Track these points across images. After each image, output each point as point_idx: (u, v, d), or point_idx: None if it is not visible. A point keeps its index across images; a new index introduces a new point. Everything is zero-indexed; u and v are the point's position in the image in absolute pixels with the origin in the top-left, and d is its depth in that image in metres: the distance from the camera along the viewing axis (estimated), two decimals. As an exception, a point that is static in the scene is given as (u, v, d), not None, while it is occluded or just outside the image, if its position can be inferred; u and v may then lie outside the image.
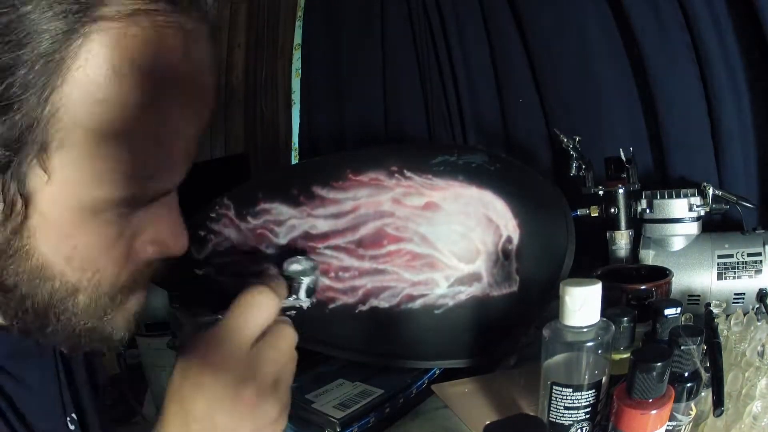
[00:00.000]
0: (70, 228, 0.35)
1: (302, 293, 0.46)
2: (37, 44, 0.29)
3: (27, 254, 0.35)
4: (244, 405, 0.39)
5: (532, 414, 0.54)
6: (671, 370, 0.49)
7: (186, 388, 0.39)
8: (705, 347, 0.56)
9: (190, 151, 0.38)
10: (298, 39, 1.65)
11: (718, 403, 0.52)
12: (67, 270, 0.37)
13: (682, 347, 0.51)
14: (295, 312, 0.46)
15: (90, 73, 0.31)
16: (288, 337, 0.43)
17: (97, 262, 0.38)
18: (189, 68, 0.35)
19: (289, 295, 0.46)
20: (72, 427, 0.48)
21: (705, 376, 0.53)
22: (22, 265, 0.35)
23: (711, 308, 0.68)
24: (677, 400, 0.51)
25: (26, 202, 0.33)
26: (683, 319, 0.66)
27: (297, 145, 1.67)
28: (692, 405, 0.52)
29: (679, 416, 0.52)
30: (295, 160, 1.68)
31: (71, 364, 0.52)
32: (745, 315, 0.67)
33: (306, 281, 0.46)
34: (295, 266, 0.47)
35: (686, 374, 0.51)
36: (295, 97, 1.67)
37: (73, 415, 0.49)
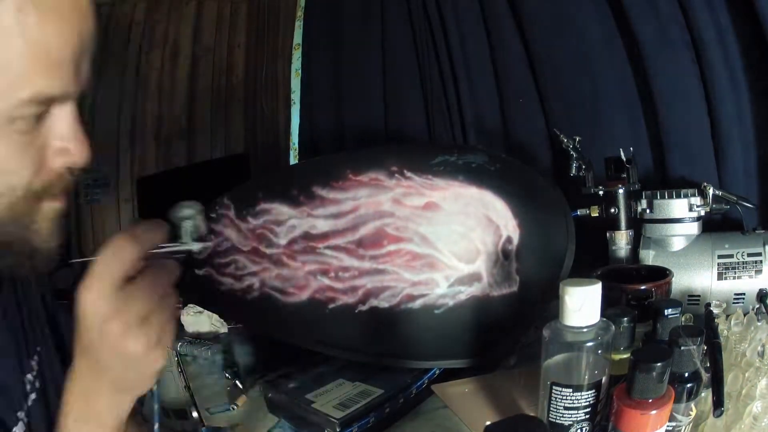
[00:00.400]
0: None
1: (186, 236, 0.50)
2: None
3: None
4: (109, 342, 0.44)
5: (531, 415, 0.54)
6: (671, 370, 0.49)
7: (77, 335, 0.46)
8: (705, 347, 0.56)
9: (78, 63, 0.46)
10: (298, 39, 1.65)
11: (718, 403, 0.52)
12: None
13: (682, 348, 0.51)
14: (184, 255, 0.51)
15: None
16: (161, 276, 0.47)
17: (11, 165, 0.45)
18: None
19: (177, 239, 0.50)
20: (28, 387, 0.54)
21: (705, 376, 0.53)
22: None
23: (711, 308, 0.68)
24: (677, 400, 0.51)
25: None
26: (683, 319, 0.66)
27: (296, 145, 1.67)
28: (692, 406, 0.52)
29: (679, 417, 0.52)
30: (294, 160, 1.68)
31: (33, 322, 0.59)
32: (745, 315, 0.67)
33: (188, 225, 0.50)
34: (178, 211, 0.51)
35: (686, 375, 0.51)
36: (295, 97, 1.67)
37: (30, 375, 0.54)
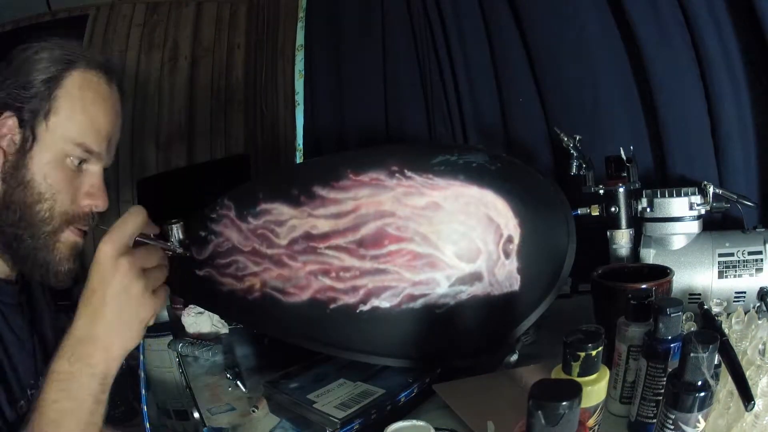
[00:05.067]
0: (50, 163, 0.67)
1: (173, 237, 0.69)
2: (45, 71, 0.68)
3: (26, 169, 0.66)
4: (119, 275, 0.58)
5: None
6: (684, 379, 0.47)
7: (89, 279, 0.60)
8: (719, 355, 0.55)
9: (110, 140, 0.72)
10: (300, 40, 1.65)
11: (747, 397, 0.51)
12: (42, 183, 0.66)
13: (692, 355, 0.50)
14: (170, 253, 0.68)
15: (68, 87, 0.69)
16: (157, 251, 0.64)
17: (60, 188, 0.67)
18: (108, 97, 0.72)
19: (168, 240, 0.69)
20: (36, 368, 0.72)
21: (714, 384, 0.51)
22: (19, 175, 0.66)
23: (707, 308, 0.68)
24: (687, 410, 0.50)
25: (34, 138, 0.66)
26: (684, 318, 0.65)
27: (301, 146, 1.68)
28: (700, 417, 0.51)
29: (688, 429, 0.51)
30: (300, 160, 1.68)
31: (43, 328, 0.76)
32: (746, 314, 0.67)
33: (175, 228, 0.69)
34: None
35: (696, 384, 0.50)
36: (299, 98, 1.68)
37: (38, 359, 0.73)
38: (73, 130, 0.66)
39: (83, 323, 0.58)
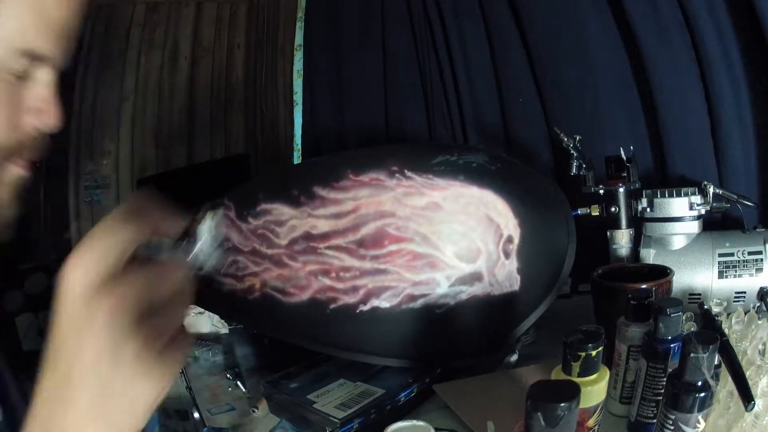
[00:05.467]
0: None
1: (203, 241, 0.40)
2: None
3: None
4: (91, 336, 0.33)
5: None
6: (684, 380, 0.47)
7: (51, 332, 0.34)
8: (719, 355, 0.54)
9: (68, 35, 0.48)
10: (299, 40, 1.65)
11: (747, 398, 0.51)
12: None
13: (692, 355, 0.50)
14: (198, 271, 0.40)
15: None
16: (173, 269, 0.37)
17: None
18: None
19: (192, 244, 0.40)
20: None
21: (713, 384, 0.51)
22: None
23: (707, 308, 0.68)
24: (687, 411, 0.50)
25: None
26: (684, 318, 0.65)
27: (300, 146, 1.68)
28: (700, 418, 0.51)
29: (688, 430, 0.51)
30: (298, 160, 1.68)
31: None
32: (746, 314, 0.67)
33: (209, 222, 0.40)
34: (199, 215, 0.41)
35: (696, 384, 0.50)
36: (298, 97, 1.68)
37: None
38: (14, 32, 0.43)
39: (46, 405, 0.33)
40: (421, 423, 0.54)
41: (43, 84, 0.48)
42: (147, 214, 0.37)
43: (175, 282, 0.37)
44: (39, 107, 0.48)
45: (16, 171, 0.48)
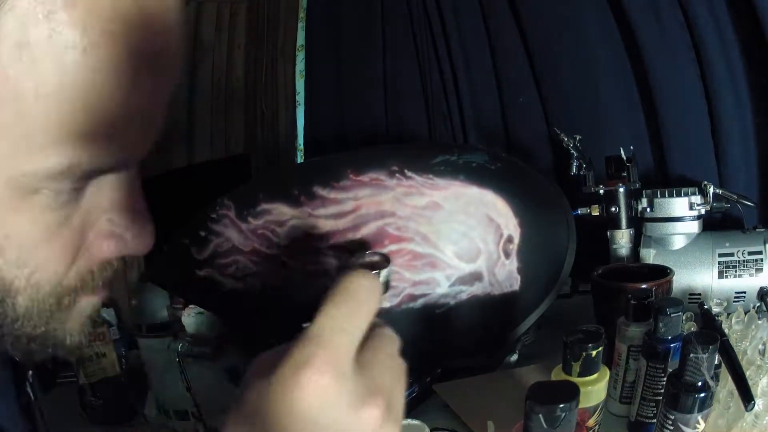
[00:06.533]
0: (1, 213, 0.28)
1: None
2: None
3: None
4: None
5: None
6: (684, 380, 0.47)
7: (278, 419, 0.27)
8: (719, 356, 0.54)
9: (152, 119, 0.30)
10: (301, 40, 1.65)
11: (747, 398, 0.51)
12: (2, 264, 0.29)
13: (692, 355, 0.50)
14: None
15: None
16: (393, 341, 0.35)
17: (36, 256, 0.30)
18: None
19: None
20: None
21: (713, 385, 0.51)
22: None
23: (707, 308, 0.68)
24: (687, 411, 0.50)
25: None
26: (684, 318, 0.65)
27: (302, 146, 1.68)
28: (699, 418, 0.51)
29: (687, 430, 0.51)
30: (300, 160, 1.68)
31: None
32: (746, 313, 0.67)
33: (384, 273, 0.38)
34: (371, 258, 0.39)
35: (696, 384, 0.50)
36: (300, 98, 1.68)
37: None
38: (30, 134, 0.26)
39: None
40: (416, 422, 0.54)
41: (112, 192, 0.32)
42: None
43: (396, 354, 0.36)
44: (111, 231, 0.33)
45: (88, 303, 0.35)
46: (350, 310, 0.30)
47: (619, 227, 0.93)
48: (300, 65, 1.66)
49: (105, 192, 0.32)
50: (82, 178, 0.29)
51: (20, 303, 0.31)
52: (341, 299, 0.30)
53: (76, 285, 0.33)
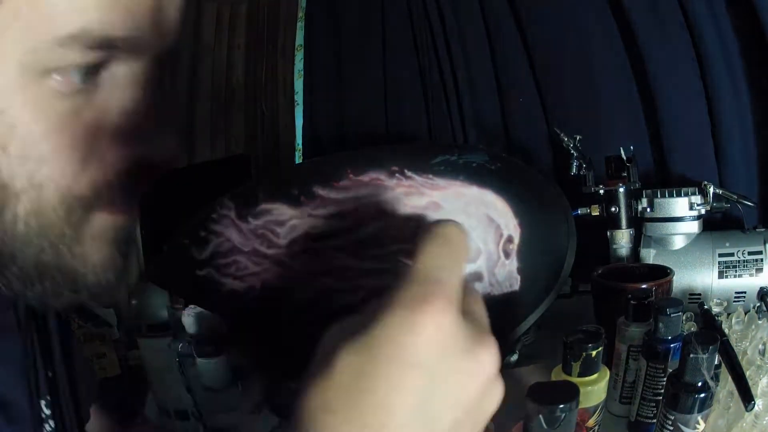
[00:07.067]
0: (7, 97, 0.25)
1: None
2: None
3: None
4: (476, 383, 0.27)
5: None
6: (684, 380, 0.47)
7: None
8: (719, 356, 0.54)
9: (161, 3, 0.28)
10: (299, 40, 1.65)
11: (747, 398, 0.51)
12: (2, 160, 0.26)
13: (692, 356, 0.50)
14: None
15: None
16: (477, 291, 0.31)
17: (41, 149, 0.26)
18: None
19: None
20: (48, 412, 0.41)
21: (713, 385, 0.51)
22: None
23: (707, 308, 0.68)
24: (686, 411, 0.50)
25: None
26: (684, 318, 0.65)
27: (301, 146, 1.68)
28: (699, 419, 0.51)
29: (687, 431, 0.51)
30: (299, 160, 1.68)
31: (50, 341, 0.45)
32: (746, 313, 0.67)
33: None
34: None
35: (696, 384, 0.50)
36: (298, 98, 1.68)
37: (48, 397, 0.42)
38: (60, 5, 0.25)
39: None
40: None
41: (130, 87, 0.29)
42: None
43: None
44: (128, 126, 0.29)
45: (103, 221, 0.31)
46: (451, 251, 0.28)
47: (619, 227, 0.93)
48: (299, 65, 1.66)
49: (119, 90, 0.29)
50: (92, 48, 0.26)
51: (21, 214, 0.27)
52: (441, 240, 0.28)
53: (90, 195, 0.29)
